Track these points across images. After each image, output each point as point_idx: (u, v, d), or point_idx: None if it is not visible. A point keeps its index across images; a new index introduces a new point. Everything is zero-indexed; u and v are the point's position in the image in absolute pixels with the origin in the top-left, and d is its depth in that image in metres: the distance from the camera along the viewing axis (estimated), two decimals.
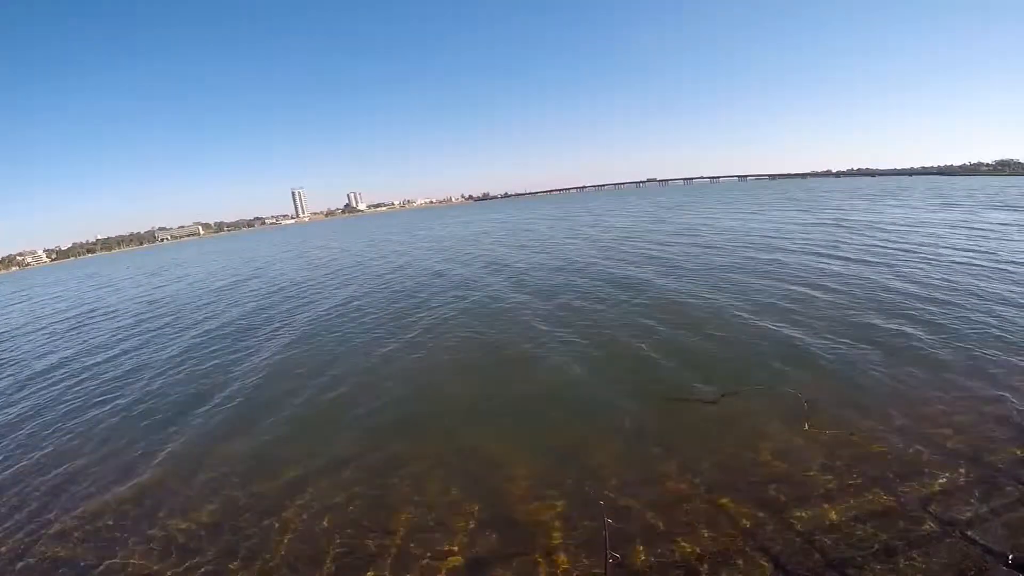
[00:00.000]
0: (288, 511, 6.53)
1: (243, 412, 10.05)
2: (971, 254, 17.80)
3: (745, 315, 12.62)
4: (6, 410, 12.18)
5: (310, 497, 6.76)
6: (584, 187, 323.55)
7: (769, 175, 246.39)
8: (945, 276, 14.84)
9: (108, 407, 11.34)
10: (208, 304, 23.55)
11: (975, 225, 25.42)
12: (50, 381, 13.88)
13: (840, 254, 19.60)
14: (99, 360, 15.41)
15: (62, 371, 14.66)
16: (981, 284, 13.65)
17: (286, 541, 6.02)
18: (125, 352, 16.06)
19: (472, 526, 5.92)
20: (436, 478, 6.91)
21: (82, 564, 6.17)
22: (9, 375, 15.23)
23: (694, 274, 18.19)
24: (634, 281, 17.90)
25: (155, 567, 5.91)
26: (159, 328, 19.28)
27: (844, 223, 30.08)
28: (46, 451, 9.47)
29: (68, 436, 10.01)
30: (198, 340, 16.25)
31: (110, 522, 6.91)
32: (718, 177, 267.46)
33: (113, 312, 25.62)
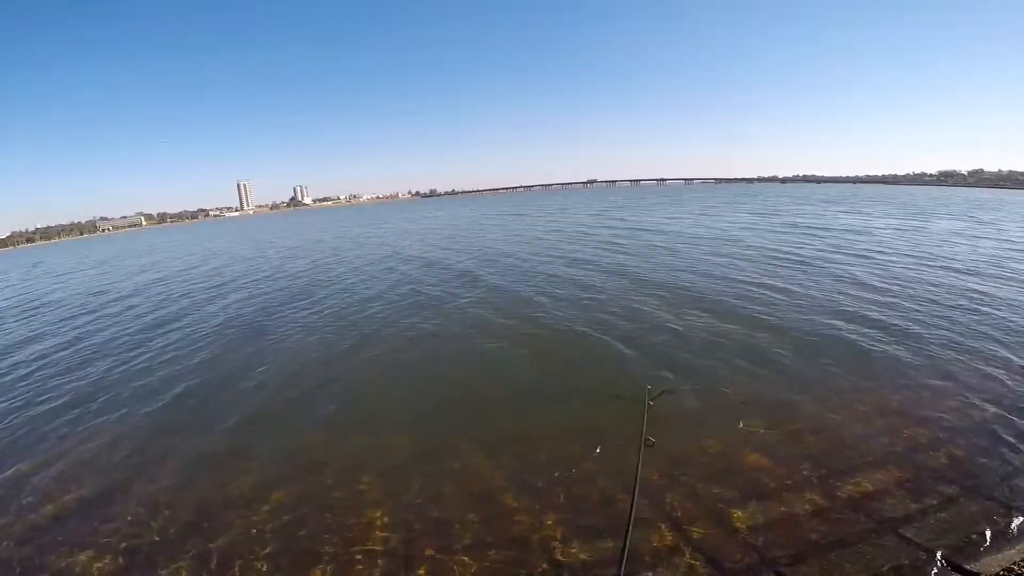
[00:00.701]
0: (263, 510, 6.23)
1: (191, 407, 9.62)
2: (915, 259, 18.62)
3: (685, 313, 12.71)
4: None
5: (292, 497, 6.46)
6: (532, 186, 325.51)
7: (715, 179, 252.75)
8: (892, 279, 15.33)
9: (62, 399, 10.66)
10: (151, 298, 22.42)
11: (923, 231, 26.71)
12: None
13: (792, 257, 19.91)
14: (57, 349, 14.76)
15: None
16: (929, 287, 14.18)
17: (263, 539, 5.74)
18: (85, 344, 15.23)
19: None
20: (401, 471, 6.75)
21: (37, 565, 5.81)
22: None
23: (640, 273, 18.23)
24: (582, 280, 17.78)
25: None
26: (112, 318, 18.47)
27: (798, 227, 30.99)
28: None
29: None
30: (143, 334, 15.50)
31: (70, 523, 6.46)
32: (664, 179, 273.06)
33: (61, 303, 24.15)
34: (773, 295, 13.96)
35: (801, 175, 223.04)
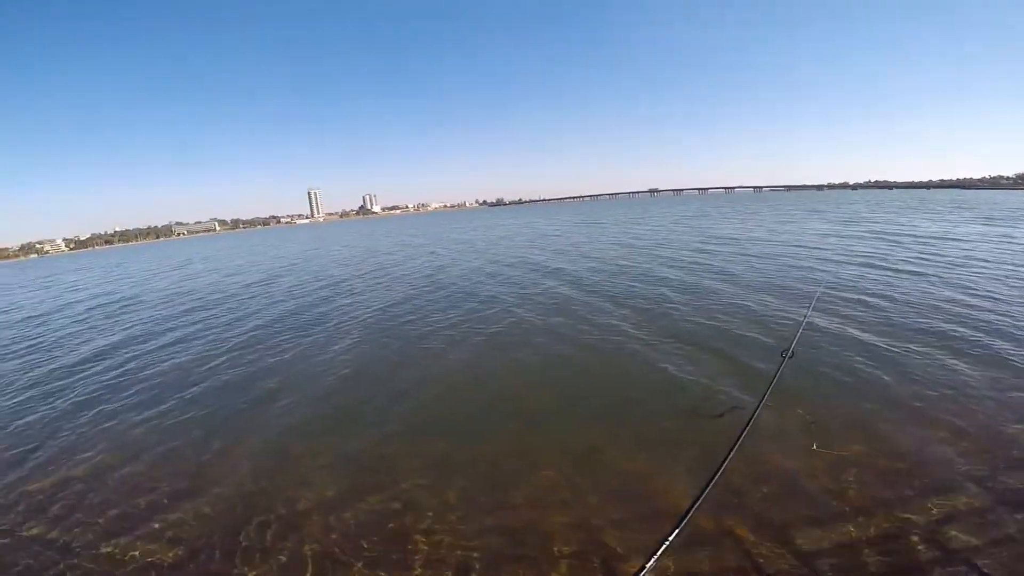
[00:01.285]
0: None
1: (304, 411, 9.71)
2: (1011, 267, 17.74)
3: (763, 327, 12.30)
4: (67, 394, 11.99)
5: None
6: (597, 195, 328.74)
7: (785, 186, 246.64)
8: (982, 290, 14.49)
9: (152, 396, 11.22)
10: (248, 299, 23.59)
11: (1012, 239, 25.42)
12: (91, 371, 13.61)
13: (880, 265, 19.33)
14: (150, 349, 15.34)
15: (99, 364, 14.25)
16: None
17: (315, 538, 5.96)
18: (174, 342, 15.93)
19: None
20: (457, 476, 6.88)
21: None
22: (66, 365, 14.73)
23: (714, 283, 18.07)
24: (660, 287, 17.88)
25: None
26: (204, 320, 19.26)
27: (883, 235, 29.97)
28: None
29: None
30: (241, 336, 15.90)
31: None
32: (732, 187, 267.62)
33: (147, 302, 25.87)
34: (857, 307, 13.43)
35: (872, 181, 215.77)
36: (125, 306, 25.22)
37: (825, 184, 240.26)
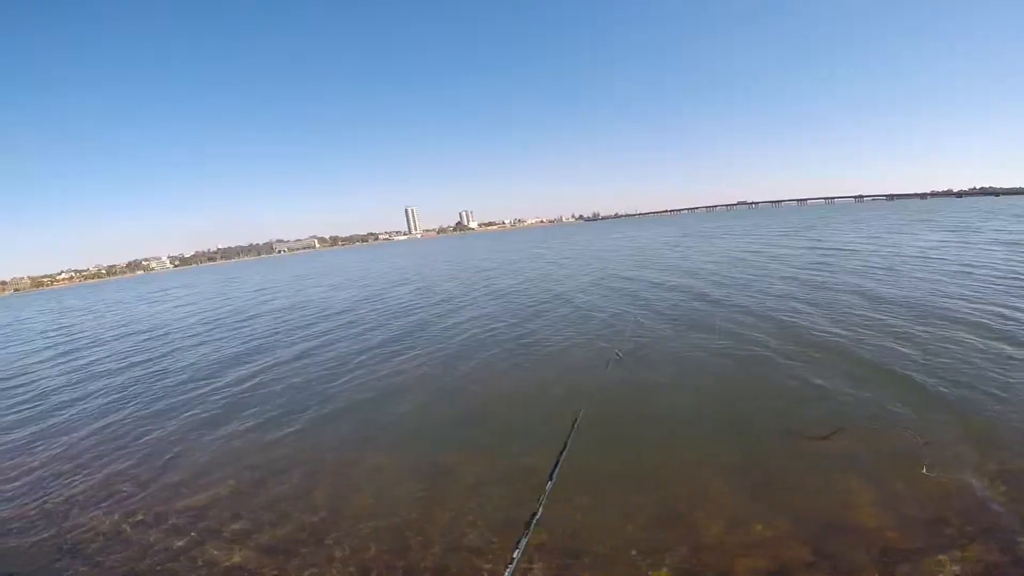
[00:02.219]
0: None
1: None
2: None
3: (871, 344, 11.79)
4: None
5: None
6: (696, 208, 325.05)
7: (887, 195, 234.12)
8: None
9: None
10: (365, 313, 23.94)
11: None
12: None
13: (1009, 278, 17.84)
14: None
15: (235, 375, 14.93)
16: None
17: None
18: (300, 356, 16.41)
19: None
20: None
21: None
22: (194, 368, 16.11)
23: (826, 297, 17.30)
24: (761, 302, 17.33)
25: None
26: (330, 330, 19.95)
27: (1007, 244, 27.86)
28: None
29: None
30: (367, 349, 16.20)
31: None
32: (832, 198, 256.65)
33: (279, 315, 26.79)
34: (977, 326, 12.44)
35: (978, 188, 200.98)
36: (248, 318, 26.67)
37: (928, 192, 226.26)
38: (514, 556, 2.77)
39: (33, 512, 7.96)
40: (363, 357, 15.14)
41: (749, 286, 20.74)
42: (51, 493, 8.55)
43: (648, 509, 6.25)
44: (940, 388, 8.95)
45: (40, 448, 10.66)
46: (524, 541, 2.83)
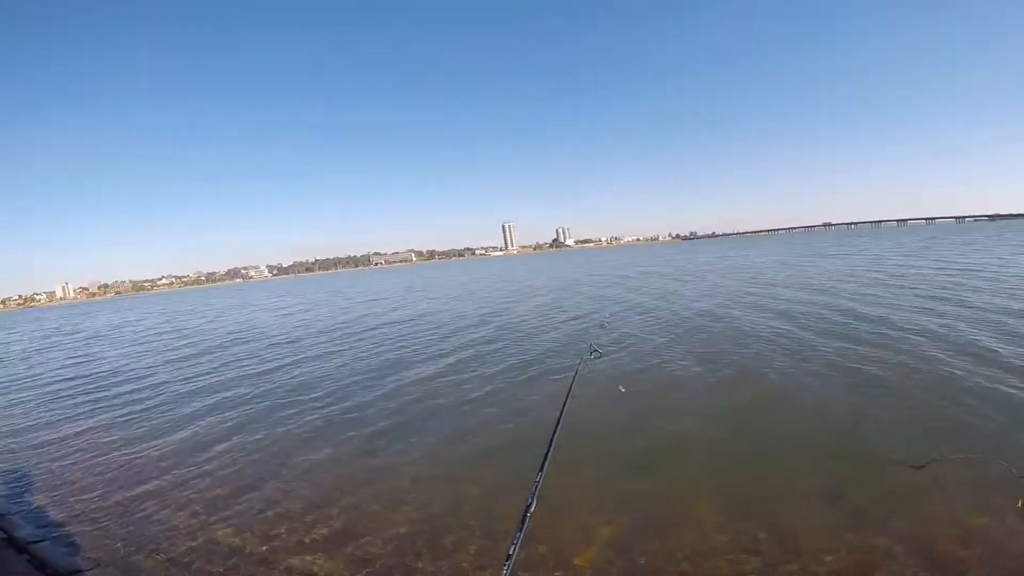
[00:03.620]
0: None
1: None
2: None
3: (969, 371, 11.18)
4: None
5: None
6: (794, 228, 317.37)
7: (988, 216, 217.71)
8: None
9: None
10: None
11: None
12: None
13: None
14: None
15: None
16: None
17: None
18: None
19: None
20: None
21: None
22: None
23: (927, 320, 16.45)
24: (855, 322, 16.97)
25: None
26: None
27: None
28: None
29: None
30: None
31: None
32: (934, 218, 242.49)
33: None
34: None
35: None
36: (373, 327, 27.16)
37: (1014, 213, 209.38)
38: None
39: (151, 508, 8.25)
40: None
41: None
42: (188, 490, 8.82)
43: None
44: None
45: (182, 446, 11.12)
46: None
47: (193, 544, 6.92)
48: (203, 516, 7.68)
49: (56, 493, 8.98)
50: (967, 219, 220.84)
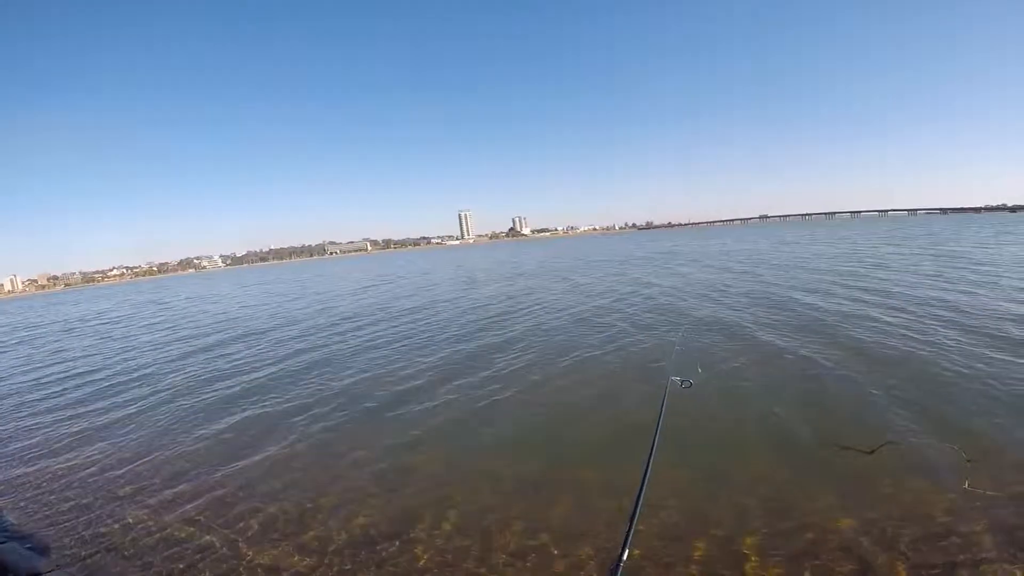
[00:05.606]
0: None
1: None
2: None
3: (923, 354, 11.69)
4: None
5: None
6: (748, 219, 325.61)
7: (940, 209, 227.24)
8: None
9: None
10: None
11: None
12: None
13: None
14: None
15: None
16: None
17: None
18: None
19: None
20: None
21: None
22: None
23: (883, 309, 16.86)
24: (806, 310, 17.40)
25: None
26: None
27: None
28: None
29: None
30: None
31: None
32: (887, 210, 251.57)
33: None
34: None
35: None
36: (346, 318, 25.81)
37: (983, 206, 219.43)
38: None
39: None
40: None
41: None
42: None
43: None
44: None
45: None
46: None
47: (154, 542, 6.79)
48: (163, 515, 7.49)
49: (14, 495, 8.66)
50: (920, 211, 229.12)
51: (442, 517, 6.67)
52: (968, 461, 6.91)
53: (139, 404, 13.21)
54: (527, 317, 20.73)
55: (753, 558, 5.46)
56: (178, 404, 12.87)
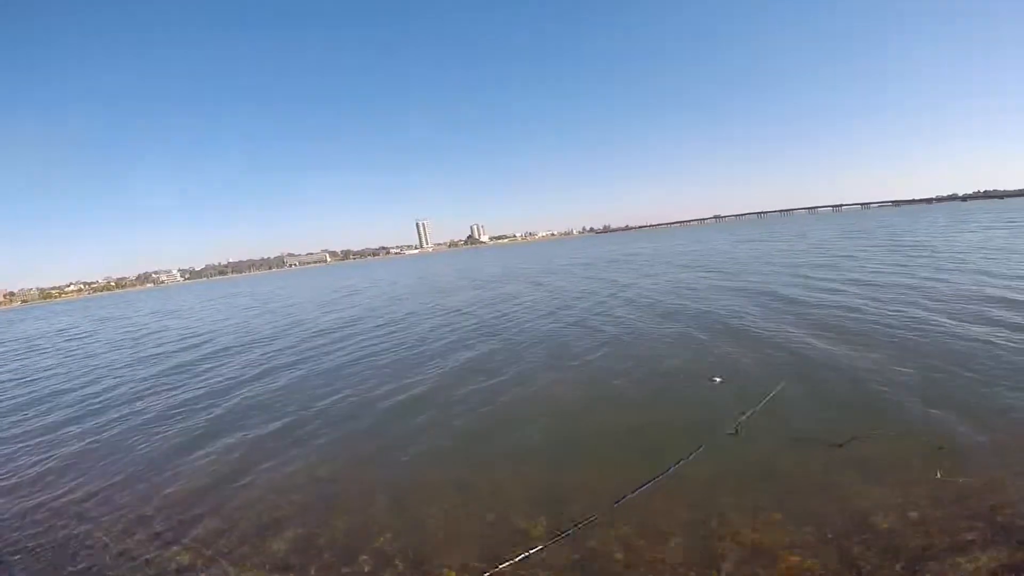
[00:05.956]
0: None
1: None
2: None
3: (890, 349, 11.80)
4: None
5: None
6: (703, 219, 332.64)
7: (892, 202, 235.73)
8: None
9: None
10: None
11: None
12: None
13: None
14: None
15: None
16: None
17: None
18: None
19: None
20: None
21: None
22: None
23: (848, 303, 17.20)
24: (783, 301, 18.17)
25: None
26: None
27: None
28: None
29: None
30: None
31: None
32: (840, 205, 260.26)
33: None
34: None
35: (981, 191, 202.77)
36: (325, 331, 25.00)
37: (934, 197, 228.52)
38: None
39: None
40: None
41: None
42: None
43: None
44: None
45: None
46: None
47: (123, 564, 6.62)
48: (147, 551, 7.05)
49: None
50: (872, 205, 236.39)
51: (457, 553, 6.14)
52: (940, 448, 7.06)
53: (111, 430, 12.47)
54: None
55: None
56: (154, 429, 12.11)
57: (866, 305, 16.50)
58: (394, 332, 21.60)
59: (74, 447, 11.47)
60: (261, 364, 18.18)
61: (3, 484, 9.81)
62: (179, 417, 12.85)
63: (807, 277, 24.56)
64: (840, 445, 7.41)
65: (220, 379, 16.61)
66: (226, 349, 22.59)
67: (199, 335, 29.18)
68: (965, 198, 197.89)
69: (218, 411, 13.00)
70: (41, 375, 21.76)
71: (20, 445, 12.07)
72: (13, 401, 17.06)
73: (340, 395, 12.94)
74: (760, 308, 17.95)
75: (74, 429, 12.85)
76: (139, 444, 11.18)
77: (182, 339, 28.29)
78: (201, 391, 15.26)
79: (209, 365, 19.34)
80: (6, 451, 11.79)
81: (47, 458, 10.95)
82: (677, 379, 11.40)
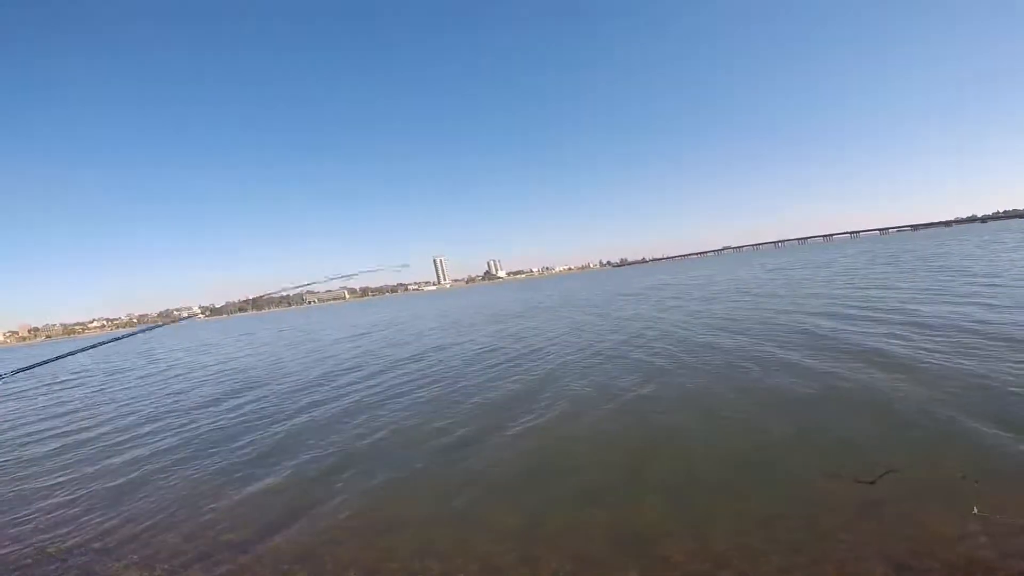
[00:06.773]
0: None
1: None
2: None
3: (924, 381, 11.38)
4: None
5: None
6: (720, 250, 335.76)
7: (911, 226, 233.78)
8: None
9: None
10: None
11: None
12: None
13: None
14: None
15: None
16: None
17: None
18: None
19: None
20: None
21: None
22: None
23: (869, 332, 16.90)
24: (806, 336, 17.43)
25: None
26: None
27: None
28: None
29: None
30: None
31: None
32: (857, 232, 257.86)
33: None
34: None
35: (1002, 211, 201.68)
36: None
37: (953, 219, 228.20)
38: None
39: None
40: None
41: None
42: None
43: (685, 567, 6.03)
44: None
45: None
46: None
47: None
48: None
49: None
50: (891, 230, 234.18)
51: None
52: (975, 482, 6.87)
53: (143, 467, 12.08)
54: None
55: None
56: (192, 464, 11.77)
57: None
58: (431, 367, 21.24)
59: (108, 483, 11.16)
60: (304, 398, 18.02)
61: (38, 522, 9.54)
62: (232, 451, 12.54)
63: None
64: (872, 482, 7.26)
65: (262, 413, 16.34)
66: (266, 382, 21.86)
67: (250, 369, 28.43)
68: (985, 219, 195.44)
69: (261, 447, 12.72)
70: (74, 408, 21.10)
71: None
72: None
73: (382, 433, 12.52)
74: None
75: (108, 462, 12.46)
76: (178, 482, 10.90)
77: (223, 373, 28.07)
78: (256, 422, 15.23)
79: (252, 396, 19.37)
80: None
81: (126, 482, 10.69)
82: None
